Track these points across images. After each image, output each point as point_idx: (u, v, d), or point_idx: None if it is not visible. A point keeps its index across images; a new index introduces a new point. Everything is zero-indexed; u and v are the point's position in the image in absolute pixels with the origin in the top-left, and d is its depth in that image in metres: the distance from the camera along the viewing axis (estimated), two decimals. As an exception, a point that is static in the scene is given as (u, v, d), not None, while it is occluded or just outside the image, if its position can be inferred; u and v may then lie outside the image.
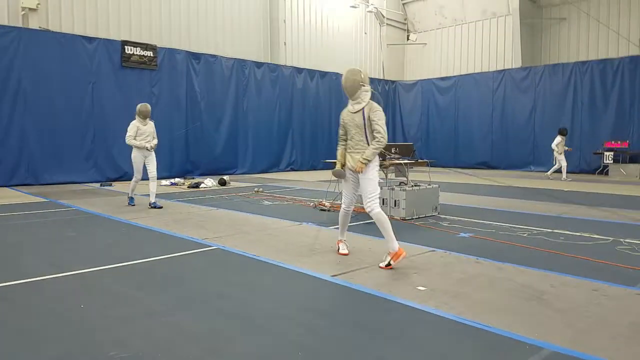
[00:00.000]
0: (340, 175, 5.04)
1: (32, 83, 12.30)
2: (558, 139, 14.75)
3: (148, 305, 3.66)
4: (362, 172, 4.79)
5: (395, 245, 4.63)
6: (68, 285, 4.16)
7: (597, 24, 18.70)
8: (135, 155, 8.60)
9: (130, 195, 8.96)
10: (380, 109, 4.82)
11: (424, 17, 23.93)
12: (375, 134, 4.76)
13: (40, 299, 3.82)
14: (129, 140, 8.49)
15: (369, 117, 4.75)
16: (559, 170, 14.84)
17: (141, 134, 8.51)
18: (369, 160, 4.76)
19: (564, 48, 20.17)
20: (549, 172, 15.30)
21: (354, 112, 4.83)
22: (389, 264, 4.60)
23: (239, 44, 17.98)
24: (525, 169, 18.49)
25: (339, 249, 5.26)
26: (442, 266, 4.73)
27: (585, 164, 17.44)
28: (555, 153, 14.83)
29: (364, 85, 4.78)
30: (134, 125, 8.53)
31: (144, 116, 8.57)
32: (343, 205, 5.15)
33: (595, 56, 18.62)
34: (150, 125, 8.65)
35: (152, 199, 8.63)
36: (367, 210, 4.81)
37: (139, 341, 2.99)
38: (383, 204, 7.87)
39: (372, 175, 4.81)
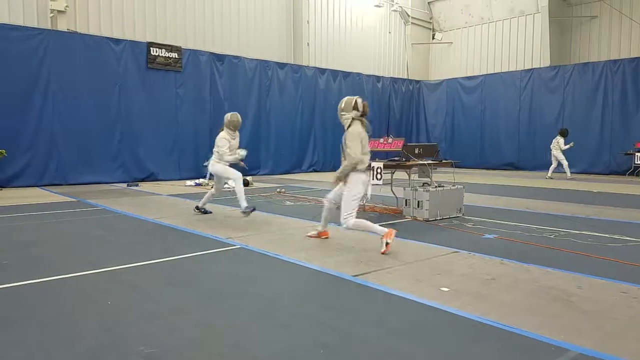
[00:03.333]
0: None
1: (60, 84, 12.56)
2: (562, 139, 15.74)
3: (173, 302, 3.72)
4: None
5: (382, 229, 5.19)
6: (96, 283, 4.25)
7: (629, 21, 18.19)
8: (222, 166, 7.64)
9: (202, 206, 8.06)
10: (354, 131, 5.34)
11: (449, 16, 23.66)
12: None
13: (70, 295, 3.92)
14: (226, 157, 7.47)
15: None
16: (557, 170, 15.87)
17: (232, 148, 7.55)
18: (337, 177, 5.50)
19: (594, 46, 19.65)
20: (549, 173, 15.91)
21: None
22: (387, 244, 5.10)
23: (262, 45, 18.07)
24: (553, 170, 18.08)
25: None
26: (465, 267, 4.68)
27: (616, 165, 17.02)
28: (559, 153, 15.65)
29: (344, 114, 5.46)
30: (226, 140, 7.48)
31: (234, 127, 7.57)
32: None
33: (628, 54, 18.12)
34: (238, 138, 7.73)
35: (245, 203, 7.46)
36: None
37: (165, 337, 3.04)
38: (406, 204, 7.81)
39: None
